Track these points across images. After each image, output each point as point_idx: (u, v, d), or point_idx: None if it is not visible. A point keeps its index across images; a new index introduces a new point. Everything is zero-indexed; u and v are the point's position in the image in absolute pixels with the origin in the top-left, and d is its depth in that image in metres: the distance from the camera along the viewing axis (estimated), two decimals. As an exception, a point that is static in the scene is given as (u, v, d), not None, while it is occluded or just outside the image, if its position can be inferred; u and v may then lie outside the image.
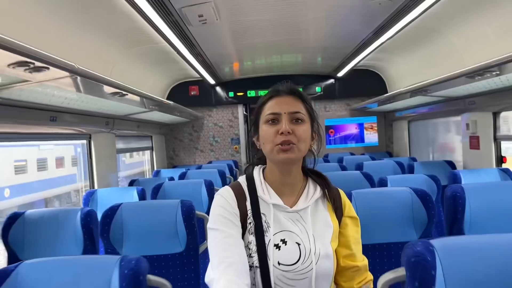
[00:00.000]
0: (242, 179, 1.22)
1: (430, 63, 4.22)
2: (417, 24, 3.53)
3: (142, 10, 2.66)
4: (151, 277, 1.25)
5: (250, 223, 1.12)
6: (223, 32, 3.52)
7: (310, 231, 1.12)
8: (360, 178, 2.96)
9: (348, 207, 1.22)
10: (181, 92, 6.03)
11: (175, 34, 3.23)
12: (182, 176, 3.92)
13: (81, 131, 3.46)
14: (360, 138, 6.39)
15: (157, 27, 3.03)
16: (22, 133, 2.70)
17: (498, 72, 2.49)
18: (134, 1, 2.52)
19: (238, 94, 6.22)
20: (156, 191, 2.95)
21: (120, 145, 4.45)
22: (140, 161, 8.26)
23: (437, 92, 3.57)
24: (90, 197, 3.04)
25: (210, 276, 1.04)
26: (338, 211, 1.19)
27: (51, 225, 2.10)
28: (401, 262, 1.13)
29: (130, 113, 3.91)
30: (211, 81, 5.95)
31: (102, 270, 1.18)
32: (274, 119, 1.12)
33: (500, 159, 3.55)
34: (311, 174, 1.24)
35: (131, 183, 3.91)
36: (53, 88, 2.13)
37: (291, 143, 1.09)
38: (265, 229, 1.11)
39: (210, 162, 6.06)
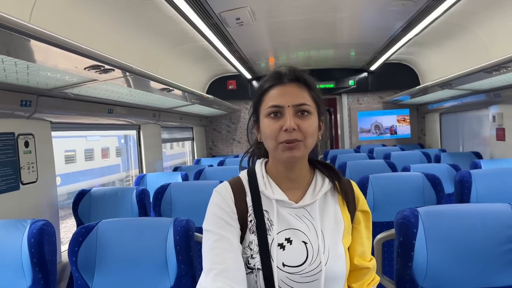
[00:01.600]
0: (243, 174, 1.12)
1: (459, 57, 4.35)
2: (444, 20, 3.69)
3: (185, 14, 3.01)
4: (197, 234, 1.49)
5: (251, 221, 1.02)
6: (258, 32, 3.83)
7: (319, 228, 1.02)
8: (383, 166, 3.20)
9: (362, 201, 1.11)
10: (220, 86, 6.39)
11: (214, 34, 3.57)
12: (221, 163, 4.29)
13: (131, 122, 3.88)
14: (393, 130, 6.54)
15: (199, 28, 3.38)
16: (85, 123, 3.13)
17: (489, 77, 2.65)
18: (178, 7, 2.87)
19: (273, 87, 6.51)
20: (198, 175, 3.32)
21: (164, 135, 4.88)
22: (180, 152, 8.73)
23: (462, 86, 3.72)
24: (140, 180, 3.45)
25: (201, 283, 0.99)
26: (351, 205, 1.08)
27: (112, 200, 2.51)
28: (393, 225, 1.37)
29: (174, 106, 4.30)
30: (248, 76, 6.27)
31: (160, 228, 1.53)
32: (277, 112, 0.99)
33: (524, 150, 3.67)
34: (318, 165, 1.13)
35: (175, 169, 4.32)
36: (113, 85, 2.52)
37: (296, 141, 0.98)
38: (268, 227, 1.01)
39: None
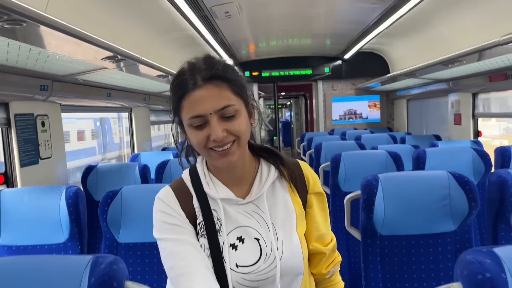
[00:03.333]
0: (185, 174, 1.04)
1: (424, 48, 4.79)
2: (412, 15, 4.10)
3: (179, 6, 3.31)
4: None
5: (199, 223, 0.97)
6: (243, 23, 4.16)
7: (269, 222, 0.97)
8: (354, 146, 3.62)
9: (313, 182, 1.06)
10: (202, 71, 6.66)
11: (203, 25, 3.88)
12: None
13: (125, 105, 4.17)
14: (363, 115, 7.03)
15: (189, 19, 3.67)
16: (87, 106, 3.42)
17: (464, 62, 3.09)
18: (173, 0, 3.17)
19: (253, 73, 6.85)
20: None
21: (152, 118, 5.17)
22: (157, 135, 9.04)
23: (425, 75, 4.17)
24: (135, 158, 3.77)
25: None
26: (301, 189, 1.03)
27: (116, 174, 2.83)
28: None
29: (162, 90, 4.60)
30: (230, 62, 6.57)
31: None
32: (201, 123, 0.90)
33: (477, 133, 4.18)
34: (262, 153, 1.07)
35: (164, 149, 4.64)
36: (116, 72, 2.82)
37: (228, 144, 0.91)
38: (218, 228, 0.96)
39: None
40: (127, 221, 1.82)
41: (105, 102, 3.55)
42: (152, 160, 3.58)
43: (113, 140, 14.10)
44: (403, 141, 4.52)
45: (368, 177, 1.75)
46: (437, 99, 5.14)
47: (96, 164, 2.86)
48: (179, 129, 1.01)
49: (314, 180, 1.06)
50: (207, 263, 0.92)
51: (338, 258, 1.09)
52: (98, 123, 13.82)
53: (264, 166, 1.04)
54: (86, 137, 11.77)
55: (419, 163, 2.62)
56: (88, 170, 2.81)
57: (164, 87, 4.37)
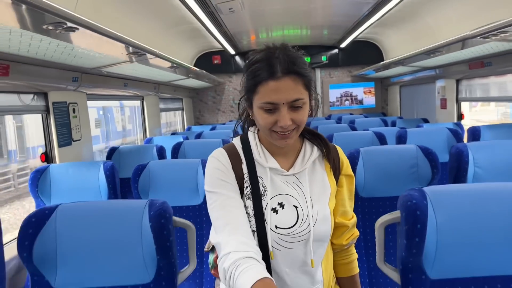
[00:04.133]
0: (237, 141, 1.17)
1: (414, 38, 5.14)
2: (401, 7, 4.44)
3: (187, 3, 3.66)
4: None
5: (247, 187, 1.10)
6: (245, 17, 4.52)
7: (308, 194, 1.10)
8: (347, 129, 4.01)
9: (346, 165, 1.19)
10: (206, 61, 7.03)
11: (209, 19, 4.23)
12: (213, 129, 5.03)
13: (137, 94, 4.55)
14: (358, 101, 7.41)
15: (196, 14, 4.03)
16: (106, 94, 3.80)
17: (443, 52, 3.46)
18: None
19: (254, 62, 7.20)
20: (198, 136, 4.06)
21: (161, 105, 5.55)
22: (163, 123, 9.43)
23: (412, 64, 4.54)
24: (149, 141, 4.17)
25: (216, 238, 1.02)
26: (337, 170, 1.16)
27: (136, 154, 3.22)
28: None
29: (171, 80, 4.98)
30: (232, 52, 6.94)
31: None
32: (271, 108, 1.02)
33: (460, 116, 4.56)
34: (307, 135, 1.19)
35: (173, 134, 5.04)
36: (134, 64, 3.19)
37: (290, 130, 1.04)
38: (262, 193, 1.09)
39: (231, 121, 7.16)
40: (155, 190, 2.22)
41: (121, 91, 3.93)
42: (164, 143, 3.98)
43: (116, 129, 14.48)
44: (393, 124, 4.90)
45: (351, 150, 2.13)
46: (426, 85, 5.51)
47: (118, 146, 3.25)
48: (243, 104, 1.14)
49: (347, 164, 1.19)
50: (247, 220, 1.05)
51: (356, 233, 1.22)
52: (101, 112, 14.18)
53: (307, 145, 1.16)
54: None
55: (400, 141, 3.01)
56: (112, 151, 3.21)
57: (172, 76, 4.76)
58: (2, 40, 1.82)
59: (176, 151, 3.11)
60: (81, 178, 2.26)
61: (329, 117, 6.68)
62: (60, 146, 2.75)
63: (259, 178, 1.09)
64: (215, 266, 1.19)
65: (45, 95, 2.67)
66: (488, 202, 1.15)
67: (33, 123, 11.08)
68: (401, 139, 3.02)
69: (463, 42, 3.01)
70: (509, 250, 1.11)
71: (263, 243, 1.04)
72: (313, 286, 1.10)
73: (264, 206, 1.07)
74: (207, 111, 7.54)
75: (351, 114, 6.89)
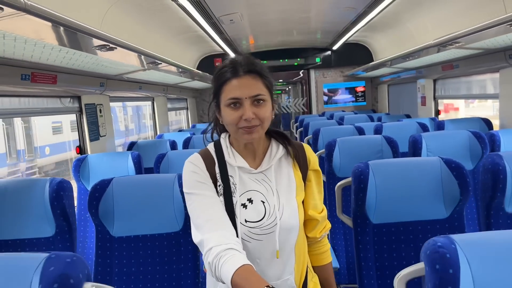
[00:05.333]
0: (210, 146, 1.28)
1: (397, 41, 5.67)
2: (386, 14, 4.94)
3: (194, 17, 4.20)
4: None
5: (219, 185, 1.20)
6: (245, 26, 5.06)
7: (274, 189, 1.20)
8: (335, 124, 4.55)
9: (313, 161, 1.29)
10: (208, 64, 7.55)
11: (212, 28, 4.77)
12: (216, 126, 5.59)
13: (148, 95, 5.09)
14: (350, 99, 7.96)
15: (201, 25, 4.57)
16: (123, 96, 4.34)
17: (416, 57, 3.99)
18: (189, 12, 4.05)
19: (253, 64, 7.73)
20: (204, 132, 4.60)
21: (169, 105, 6.10)
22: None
23: (395, 65, 5.07)
24: (161, 137, 4.71)
25: (198, 237, 1.11)
26: (303, 166, 1.27)
27: (153, 147, 3.75)
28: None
29: (178, 82, 5.51)
30: (232, 55, 7.47)
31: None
32: (236, 103, 1.13)
33: (437, 112, 5.10)
34: (274, 134, 1.29)
35: (180, 131, 5.58)
36: (150, 71, 3.73)
37: (255, 126, 1.13)
38: (233, 191, 1.19)
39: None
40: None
41: (136, 94, 4.47)
42: (174, 138, 4.52)
43: (119, 128, 14.97)
44: (379, 120, 5.44)
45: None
46: (410, 84, 6.04)
47: (136, 141, 3.80)
48: (213, 110, 1.25)
49: (314, 160, 1.30)
50: (226, 215, 1.15)
51: (329, 225, 1.34)
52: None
53: (274, 144, 1.27)
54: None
55: (377, 132, 3.55)
56: (132, 145, 3.75)
57: (179, 79, 5.30)
58: (54, 56, 2.35)
59: (187, 144, 3.65)
60: (113, 165, 2.79)
61: (322, 114, 7.22)
62: (91, 140, 3.30)
63: (230, 177, 1.20)
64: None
65: (78, 98, 3.22)
66: (411, 170, 1.65)
67: (40, 124, 11.58)
68: (378, 131, 3.56)
69: (428, 49, 3.55)
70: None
71: None
72: (284, 276, 1.20)
73: (234, 202, 1.18)
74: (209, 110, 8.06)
75: (343, 111, 7.43)
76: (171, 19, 4.39)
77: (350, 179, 1.78)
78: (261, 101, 1.14)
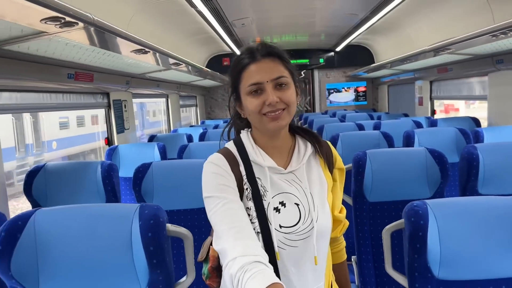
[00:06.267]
0: (230, 145, 1.16)
1: (397, 44, 6.02)
2: (387, 19, 5.29)
3: (209, 20, 4.55)
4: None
5: (246, 188, 1.09)
6: (254, 28, 5.42)
7: (308, 190, 1.11)
8: (337, 121, 4.90)
9: (339, 160, 1.21)
10: (216, 63, 7.91)
11: (224, 31, 5.13)
12: (225, 122, 5.95)
13: (163, 92, 5.45)
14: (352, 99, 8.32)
15: (214, 27, 4.92)
16: (142, 93, 4.70)
17: (412, 60, 4.34)
18: (205, 16, 4.41)
19: (260, 64, 8.08)
20: (216, 127, 4.96)
21: (180, 102, 6.46)
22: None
23: (395, 67, 5.42)
24: (175, 131, 5.07)
25: (220, 245, 0.97)
26: (331, 165, 1.18)
27: (172, 140, 4.11)
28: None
29: (190, 80, 5.87)
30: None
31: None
32: (257, 89, 1.05)
33: (433, 112, 5.46)
34: (299, 131, 1.20)
35: (191, 126, 5.94)
36: (167, 71, 4.09)
37: (280, 110, 1.04)
38: (262, 194, 1.08)
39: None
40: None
41: (154, 91, 4.83)
42: (188, 132, 4.88)
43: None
44: (379, 118, 5.79)
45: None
46: (408, 85, 6.39)
47: (156, 134, 4.16)
48: (233, 104, 1.16)
49: (339, 158, 1.21)
50: (250, 223, 1.02)
51: (347, 223, 1.26)
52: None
53: (300, 142, 1.17)
54: (99, 121, 12.98)
55: (376, 129, 3.91)
56: (152, 137, 4.11)
57: (192, 78, 5.65)
58: (94, 58, 2.70)
59: (202, 137, 4.01)
60: (141, 154, 3.15)
61: (325, 113, 7.57)
62: (117, 133, 3.66)
63: (257, 179, 1.09)
64: (210, 276, 1.16)
65: (107, 95, 3.57)
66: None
67: (47, 119, 11.92)
68: (376, 128, 3.91)
69: (424, 54, 3.89)
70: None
71: (268, 244, 1.04)
72: (318, 283, 1.11)
73: (266, 206, 1.07)
74: (217, 107, 8.44)
75: (345, 110, 7.78)
76: (186, 22, 4.74)
77: (350, 165, 2.13)
78: (284, 85, 1.06)
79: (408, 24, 5.32)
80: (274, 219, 1.06)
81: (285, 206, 1.08)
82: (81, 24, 1.71)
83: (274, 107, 1.04)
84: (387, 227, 1.42)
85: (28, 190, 2.16)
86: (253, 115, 1.07)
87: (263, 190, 1.09)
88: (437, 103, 7.63)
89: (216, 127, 5.01)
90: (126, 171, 3.11)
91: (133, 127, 4.07)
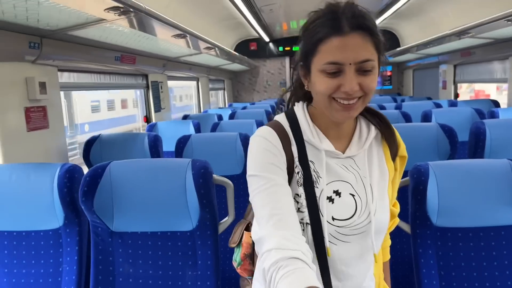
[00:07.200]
0: (282, 118, 1.00)
1: (422, 28, 6.11)
2: (412, 4, 5.41)
3: (239, 7, 4.79)
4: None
5: (298, 172, 0.94)
6: (281, 13, 5.63)
7: (367, 179, 0.96)
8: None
9: (402, 146, 1.05)
10: (244, 47, 8.16)
11: (252, 16, 5.36)
12: (252, 104, 6.23)
13: (194, 76, 5.76)
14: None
15: (243, 12, 5.16)
16: (175, 76, 5.02)
17: (435, 45, 4.47)
18: (235, 1, 4.64)
19: (286, 48, 8.31)
20: (244, 108, 5.24)
21: (209, 85, 6.76)
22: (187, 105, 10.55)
23: (420, 51, 5.54)
24: (206, 111, 5.38)
25: (258, 233, 0.88)
26: (393, 153, 1.02)
27: (206, 119, 4.41)
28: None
29: (219, 64, 6.15)
30: (266, 39, 8.04)
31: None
32: (335, 71, 0.85)
33: (456, 95, 5.56)
34: (364, 111, 1.00)
35: (220, 108, 6.24)
36: (200, 54, 4.36)
37: (355, 99, 0.87)
38: (314, 180, 0.93)
39: (265, 100, 8.32)
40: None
41: (186, 74, 5.14)
42: (217, 113, 5.18)
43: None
44: (403, 101, 5.93)
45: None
46: (432, 69, 6.48)
47: (189, 114, 4.47)
48: (298, 72, 0.98)
49: (403, 144, 1.06)
50: (295, 211, 0.88)
51: (397, 220, 1.14)
52: (138, 92, 15.54)
53: (363, 124, 1.01)
54: (128, 106, 13.48)
55: (397, 108, 4.10)
56: (186, 116, 4.42)
57: (221, 61, 5.93)
58: (137, 42, 2.99)
59: (232, 117, 4.30)
60: (178, 130, 3.46)
61: (350, 96, 7.74)
62: (155, 111, 3.99)
63: (310, 163, 0.95)
64: (241, 263, 1.10)
65: (146, 77, 3.90)
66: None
67: (80, 102, 12.46)
68: (397, 108, 4.10)
69: (445, 38, 4.03)
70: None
71: (318, 238, 0.91)
72: (369, 282, 1.00)
73: (318, 194, 0.93)
74: (244, 91, 8.72)
75: (369, 94, 7.92)
76: (217, 8, 4.99)
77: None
78: (369, 71, 0.87)
79: (433, 9, 5.41)
80: (326, 210, 0.92)
81: (340, 196, 0.94)
82: (134, 12, 2.00)
83: (351, 95, 0.86)
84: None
85: (86, 156, 2.51)
86: (321, 96, 0.90)
87: (316, 176, 0.95)
88: (467, 89, 7.69)
89: (244, 108, 5.29)
90: (165, 145, 3.44)
91: (168, 107, 4.40)
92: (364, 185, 0.96)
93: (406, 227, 1.60)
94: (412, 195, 1.53)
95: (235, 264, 1.13)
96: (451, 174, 1.52)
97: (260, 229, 0.86)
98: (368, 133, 1.00)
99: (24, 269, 1.55)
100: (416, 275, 1.54)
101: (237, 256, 1.12)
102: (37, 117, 2.15)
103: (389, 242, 1.19)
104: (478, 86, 8.47)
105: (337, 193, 0.94)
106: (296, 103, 1.03)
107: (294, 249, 0.79)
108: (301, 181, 0.94)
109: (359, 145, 0.98)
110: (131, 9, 1.95)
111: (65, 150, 2.46)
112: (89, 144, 2.51)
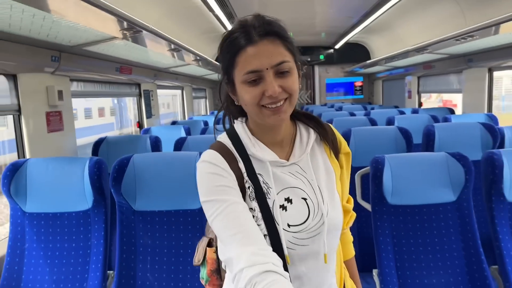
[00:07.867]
0: (223, 138, 1.03)
1: (390, 43, 6.66)
2: (380, 20, 5.92)
3: (221, 20, 5.18)
4: None
5: (248, 187, 0.96)
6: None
7: (314, 182, 0.99)
8: (334, 111, 5.56)
9: (344, 143, 1.09)
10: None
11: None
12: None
13: (179, 85, 6.12)
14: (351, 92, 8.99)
15: (226, 26, 5.56)
16: (164, 85, 5.36)
17: (400, 58, 4.98)
18: (219, 17, 5.04)
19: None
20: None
21: (193, 94, 7.12)
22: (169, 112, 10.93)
23: (387, 64, 6.07)
24: (191, 118, 5.73)
25: (226, 254, 0.88)
26: (336, 151, 1.06)
27: (195, 124, 4.78)
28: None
29: (203, 74, 6.52)
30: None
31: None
32: (256, 78, 0.89)
33: (419, 104, 6.11)
34: (300, 116, 1.07)
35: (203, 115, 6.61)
36: (190, 66, 4.73)
37: (281, 101, 0.91)
38: (265, 191, 0.96)
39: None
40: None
41: (172, 83, 5.50)
42: (202, 119, 5.54)
43: (128, 117, 15.90)
44: (372, 109, 6.44)
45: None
46: (400, 80, 7.05)
47: (177, 120, 4.82)
48: (225, 90, 1.01)
49: (344, 141, 1.09)
50: (257, 226, 0.91)
51: (354, 214, 1.17)
52: (115, 101, 15.62)
53: (302, 129, 1.05)
54: (105, 114, 13.56)
55: (366, 115, 4.56)
56: (174, 122, 4.76)
57: (204, 72, 6.30)
58: (133, 54, 3.34)
59: (219, 123, 4.67)
60: (170, 134, 3.80)
61: (325, 105, 8.24)
62: (147, 118, 4.33)
63: (258, 175, 0.98)
64: (209, 279, 1.12)
65: (139, 85, 4.24)
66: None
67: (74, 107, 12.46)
68: (366, 114, 4.57)
69: (408, 53, 4.54)
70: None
71: (277, 247, 0.93)
72: (328, 281, 1.03)
73: (270, 205, 0.95)
74: (224, 100, 9.09)
75: (342, 103, 8.45)
76: (201, 21, 5.37)
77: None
78: (286, 72, 0.91)
79: (399, 25, 5.95)
80: (281, 218, 0.95)
81: (291, 203, 0.97)
82: (144, 31, 2.37)
83: (276, 98, 0.90)
84: (359, 171, 2.15)
85: (95, 155, 2.85)
86: (250, 106, 0.93)
87: (266, 187, 0.97)
88: (436, 99, 8.30)
89: (220, 120, 5.69)
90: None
91: (157, 114, 4.74)
92: (313, 188, 0.99)
93: (367, 206, 2.03)
94: (372, 180, 1.96)
95: (203, 281, 1.14)
96: (402, 164, 1.98)
97: (227, 250, 0.87)
98: (308, 137, 1.04)
99: (58, 243, 1.88)
100: (375, 245, 1.92)
101: (204, 274, 1.13)
102: (55, 121, 2.48)
103: (350, 238, 1.22)
104: (446, 96, 9.10)
105: (289, 200, 0.97)
106: (235, 121, 1.06)
107: (264, 263, 0.81)
108: (253, 195, 0.96)
109: (301, 150, 1.02)
110: (141, 29, 2.32)
111: (75, 148, 2.79)
112: (97, 145, 2.86)
